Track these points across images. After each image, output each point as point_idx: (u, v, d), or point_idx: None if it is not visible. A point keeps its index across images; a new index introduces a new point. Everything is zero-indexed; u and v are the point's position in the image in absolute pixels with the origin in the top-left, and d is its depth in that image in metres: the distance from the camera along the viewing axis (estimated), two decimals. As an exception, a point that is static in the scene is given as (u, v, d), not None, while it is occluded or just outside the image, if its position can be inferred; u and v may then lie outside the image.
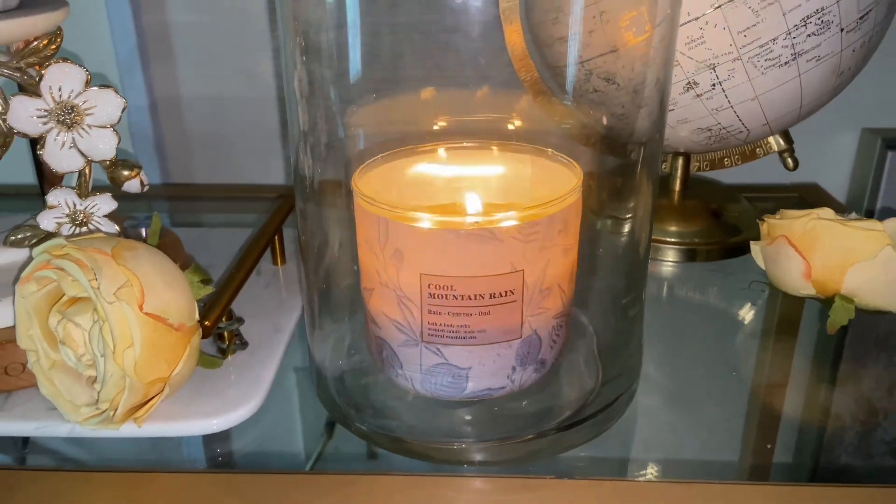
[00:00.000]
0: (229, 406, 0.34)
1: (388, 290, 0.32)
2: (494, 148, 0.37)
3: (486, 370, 0.32)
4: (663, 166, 0.52)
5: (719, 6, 0.37)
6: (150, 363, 0.30)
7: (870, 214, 0.66)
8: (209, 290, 0.34)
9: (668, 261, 0.50)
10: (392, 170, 0.35)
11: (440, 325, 0.32)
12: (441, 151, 0.36)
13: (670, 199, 0.52)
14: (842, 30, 0.38)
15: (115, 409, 0.31)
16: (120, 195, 0.38)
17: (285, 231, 0.47)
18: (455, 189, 0.37)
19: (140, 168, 0.38)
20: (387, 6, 0.33)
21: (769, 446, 0.33)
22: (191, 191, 0.67)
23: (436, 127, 0.37)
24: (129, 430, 0.32)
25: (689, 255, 0.50)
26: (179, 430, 0.33)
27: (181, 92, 0.65)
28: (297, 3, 0.31)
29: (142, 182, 0.38)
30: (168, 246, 0.42)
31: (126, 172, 0.38)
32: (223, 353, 0.37)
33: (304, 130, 0.33)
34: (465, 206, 0.36)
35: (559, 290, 0.33)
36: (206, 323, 0.34)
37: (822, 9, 0.37)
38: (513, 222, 0.31)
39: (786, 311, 0.44)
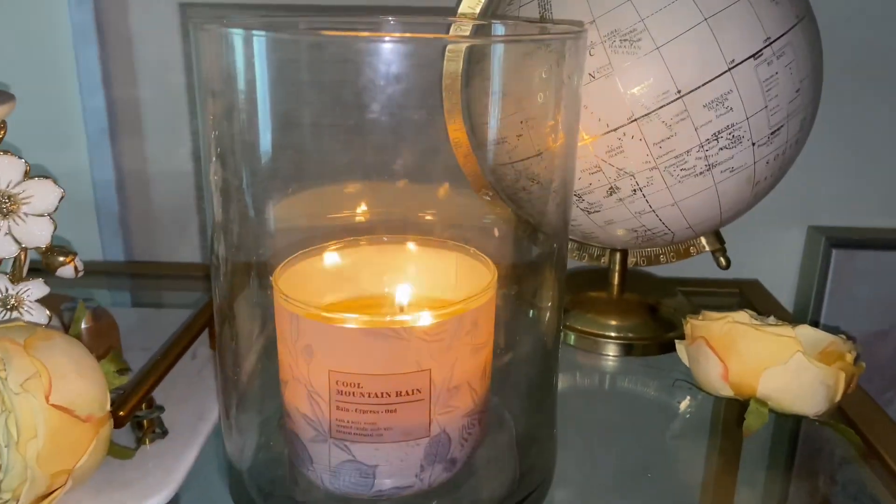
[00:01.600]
0: (137, 498, 0.34)
1: (300, 384, 0.33)
2: (414, 244, 0.38)
3: (393, 468, 0.33)
4: (602, 260, 0.54)
5: (635, 120, 0.39)
6: (53, 455, 0.30)
7: (817, 311, 0.67)
8: (124, 380, 0.35)
9: (608, 355, 0.51)
10: (312, 265, 0.37)
11: (347, 421, 0.32)
12: (360, 246, 0.38)
13: (609, 292, 0.53)
14: (753, 144, 0.40)
15: (17, 501, 0.31)
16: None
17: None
18: (375, 283, 0.38)
19: (75, 254, 0.39)
20: (309, 106, 0.34)
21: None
22: (151, 268, 0.67)
23: (357, 220, 0.38)
24: (31, 521, 0.32)
25: (627, 349, 0.51)
26: (83, 523, 0.33)
27: (148, 167, 0.67)
28: (215, 105, 0.32)
29: (76, 268, 0.39)
30: (103, 330, 0.42)
31: (61, 259, 0.39)
32: (140, 441, 0.37)
33: (219, 222, 0.34)
34: (383, 301, 0.37)
35: (469, 389, 0.34)
36: (121, 413, 0.34)
37: (733, 125, 0.39)
38: (419, 323, 0.32)
39: (708, 412, 0.44)
